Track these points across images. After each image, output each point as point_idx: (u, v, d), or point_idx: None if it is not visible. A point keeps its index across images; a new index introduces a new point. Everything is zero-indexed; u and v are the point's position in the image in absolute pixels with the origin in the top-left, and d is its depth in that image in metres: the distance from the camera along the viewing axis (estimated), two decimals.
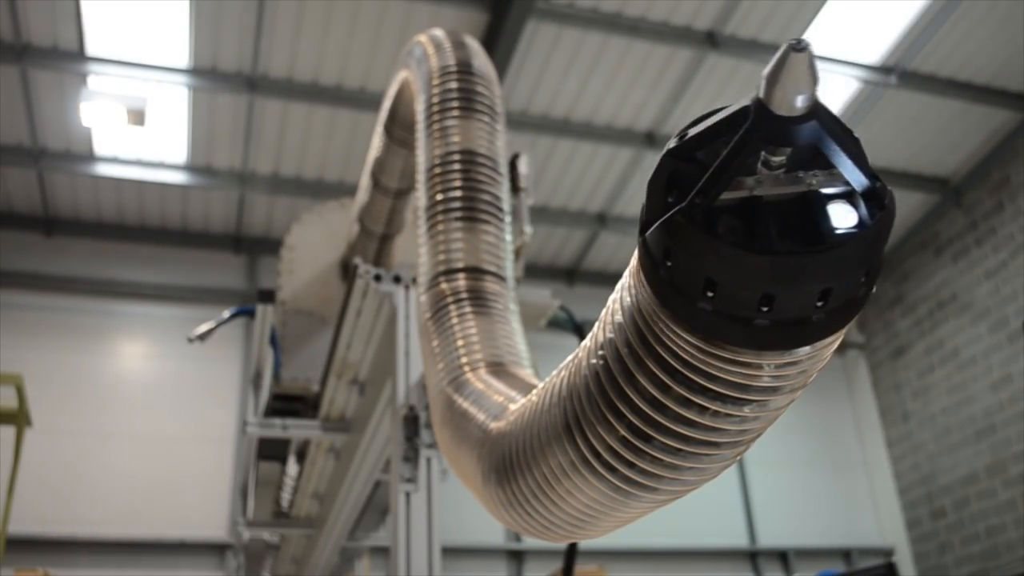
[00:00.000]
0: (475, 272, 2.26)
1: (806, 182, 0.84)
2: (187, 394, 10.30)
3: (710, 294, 0.82)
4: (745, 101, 0.83)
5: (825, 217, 0.83)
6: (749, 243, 0.81)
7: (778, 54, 0.77)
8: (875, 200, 0.84)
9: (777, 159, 0.83)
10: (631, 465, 1.04)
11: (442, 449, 1.86)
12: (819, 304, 0.81)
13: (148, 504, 9.61)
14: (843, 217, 0.84)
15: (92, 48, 8.52)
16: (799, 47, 0.76)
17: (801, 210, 0.84)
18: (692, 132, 0.87)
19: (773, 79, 0.79)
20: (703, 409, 0.93)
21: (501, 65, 8.53)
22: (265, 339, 4.97)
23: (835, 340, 0.89)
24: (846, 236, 0.82)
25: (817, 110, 0.82)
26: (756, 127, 0.81)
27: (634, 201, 11.08)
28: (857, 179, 0.85)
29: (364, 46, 8.87)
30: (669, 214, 0.82)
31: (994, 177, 10.95)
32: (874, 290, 0.86)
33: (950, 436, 11.18)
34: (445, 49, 2.96)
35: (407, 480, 3.27)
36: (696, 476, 1.06)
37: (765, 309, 0.81)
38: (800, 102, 0.80)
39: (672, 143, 0.87)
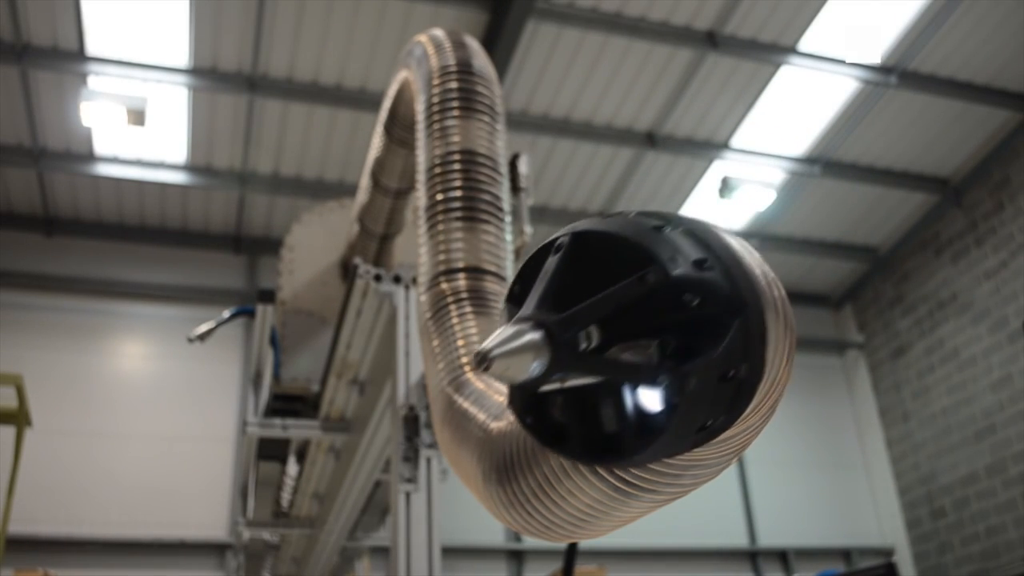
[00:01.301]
0: (475, 272, 2.26)
1: (613, 366, 0.82)
2: (187, 394, 10.30)
3: None
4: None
5: (623, 410, 0.83)
6: (553, 443, 0.84)
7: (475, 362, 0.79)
8: (675, 387, 0.80)
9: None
10: None
11: (442, 449, 1.86)
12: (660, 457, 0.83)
13: (148, 504, 9.61)
14: (649, 404, 0.82)
15: (92, 48, 8.52)
16: (482, 364, 0.77)
17: (604, 401, 0.84)
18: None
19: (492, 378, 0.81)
20: None
21: (501, 65, 8.54)
22: (265, 339, 4.97)
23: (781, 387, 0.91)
24: (640, 443, 0.81)
25: (557, 364, 0.80)
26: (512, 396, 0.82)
27: (634, 201, 11.09)
28: (640, 383, 0.82)
29: (364, 46, 8.87)
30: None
31: (994, 177, 10.95)
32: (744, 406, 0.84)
33: (950, 436, 11.18)
34: (445, 49, 2.95)
35: (407, 480, 3.27)
36: (696, 478, 1.06)
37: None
38: (532, 374, 0.80)
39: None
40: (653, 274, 0.80)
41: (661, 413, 0.80)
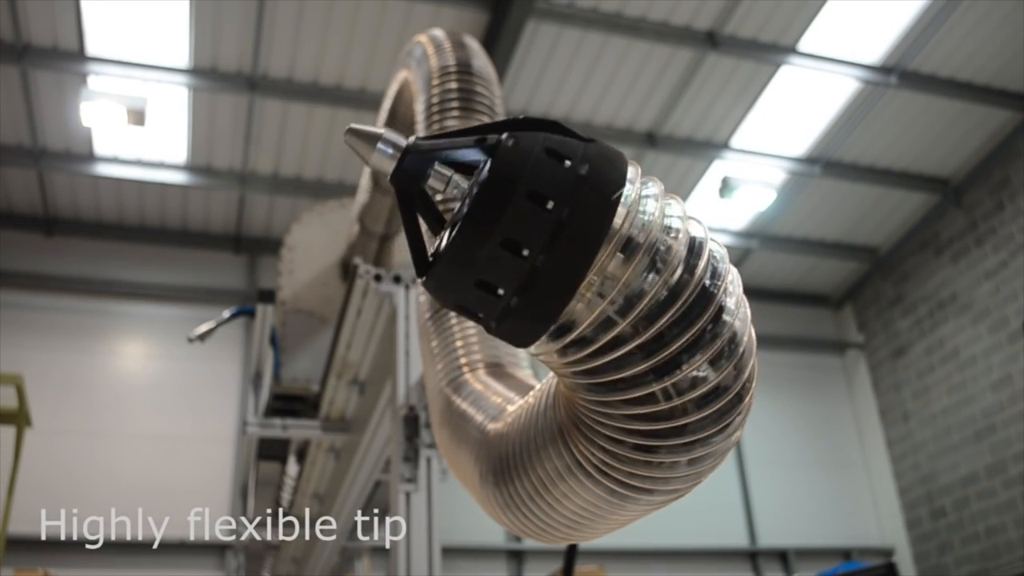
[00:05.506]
0: None
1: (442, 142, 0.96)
2: (187, 394, 10.30)
3: None
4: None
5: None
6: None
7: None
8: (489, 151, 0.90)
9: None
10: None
11: (441, 449, 1.86)
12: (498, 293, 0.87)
13: (148, 504, 9.57)
14: None
15: (92, 48, 8.52)
16: (345, 134, 0.96)
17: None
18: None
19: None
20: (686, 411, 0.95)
21: (501, 65, 8.53)
22: (265, 339, 4.97)
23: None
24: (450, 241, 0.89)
25: (404, 154, 0.94)
26: (391, 180, 0.95)
27: None
28: (468, 157, 0.92)
29: (364, 46, 8.86)
30: None
31: (994, 177, 10.94)
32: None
33: (950, 436, 11.18)
34: (445, 49, 2.95)
35: (407, 480, 3.27)
36: (692, 479, 1.06)
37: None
38: (386, 165, 0.94)
39: None
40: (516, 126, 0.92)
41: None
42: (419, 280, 0.94)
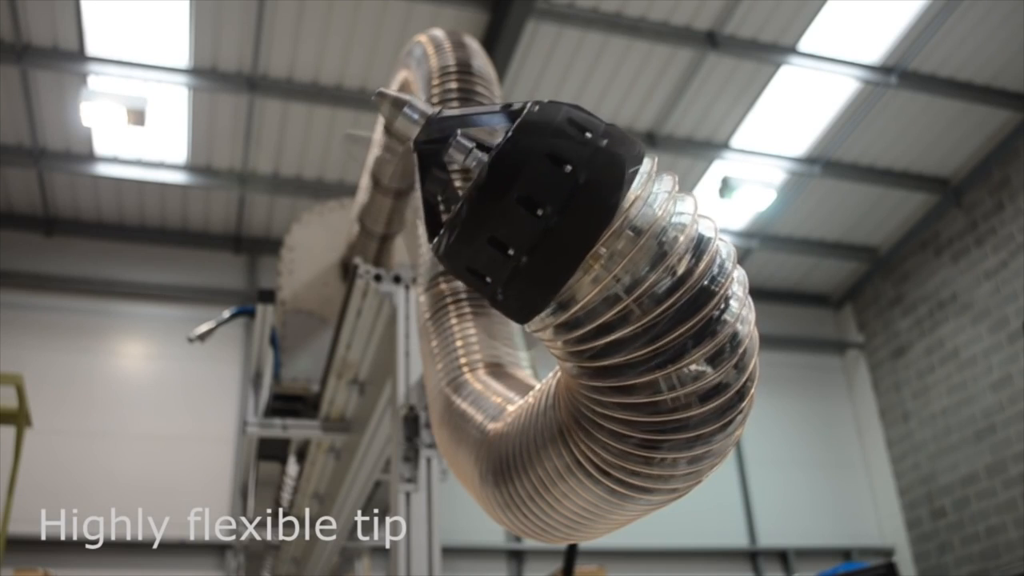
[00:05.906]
0: None
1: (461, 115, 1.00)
2: (187, 394, 10.30)
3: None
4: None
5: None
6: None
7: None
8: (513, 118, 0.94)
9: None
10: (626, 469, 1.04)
11: (440, 449, 1.86)
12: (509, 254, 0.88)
13: (148, 504, 9.56)
14: None
15: (92, 48, 8.52)
16: (380, 96, 1.00)
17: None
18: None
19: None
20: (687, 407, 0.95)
21: (501, 65, 8.53)
22: (265, 339, 4.97)
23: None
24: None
25: (427, 122, 0.98)
26: (415, 145, 0.99)
27: None
28: (492, 123, 0.96)
29: (364, 46, 8.87)
30: None
31: (994, 177, 10.94)
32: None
33: (950, 436, 11.18)
34: (445, 49, 2.95)
35: (407, 480, 3.27)
36: (692, 479, 1.06)
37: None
38: (410, 131, 0.98)
39: None
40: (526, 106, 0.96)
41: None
42: (430, 246, 0.96)
